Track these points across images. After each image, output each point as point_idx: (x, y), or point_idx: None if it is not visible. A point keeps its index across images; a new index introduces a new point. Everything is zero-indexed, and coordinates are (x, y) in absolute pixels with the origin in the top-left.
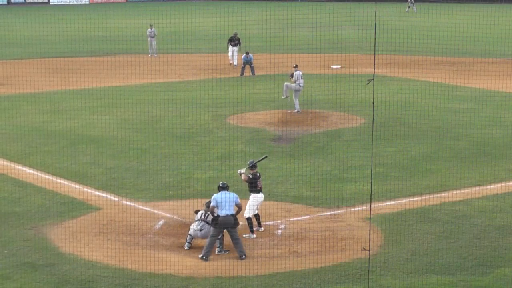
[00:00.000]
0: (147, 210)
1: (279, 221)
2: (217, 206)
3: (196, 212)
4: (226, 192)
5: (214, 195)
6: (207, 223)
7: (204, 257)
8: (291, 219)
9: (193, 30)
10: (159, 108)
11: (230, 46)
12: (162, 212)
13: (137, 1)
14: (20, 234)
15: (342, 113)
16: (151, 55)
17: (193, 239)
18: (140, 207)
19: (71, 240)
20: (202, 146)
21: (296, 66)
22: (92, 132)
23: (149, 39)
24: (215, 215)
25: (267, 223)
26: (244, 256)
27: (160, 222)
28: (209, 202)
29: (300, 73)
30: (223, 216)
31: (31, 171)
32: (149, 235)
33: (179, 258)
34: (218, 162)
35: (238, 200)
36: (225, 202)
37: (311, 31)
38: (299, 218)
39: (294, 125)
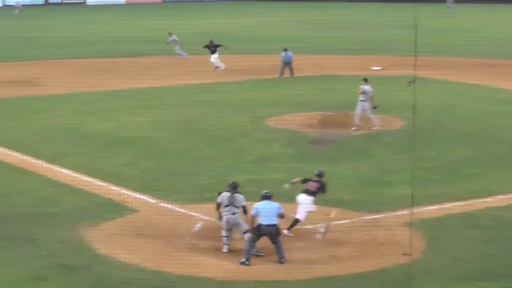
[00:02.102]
0: (184, 213)
1: (318, 225)
2: (258, 215)
3: (220, 193)
4: (269, 202)
5: (255, 204)
6: (235, 206)
7: (245, 262)
8: (331, 224)
9: (228, 31)
10: (195, 110)
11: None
12: (200, 214)
13: (173, 2)
14: (57, 235)
15: (382, 115)
16: (183, 57)
17: (230, 240)
18: (177, 209)
19: (107, 242)
20: (239, 148)
21: (366, 80)
22: (128, 133)
23: (175, 47)
24: (256, 224)
25: (306, 227)
26: (283, 260)
27: (198, 225)
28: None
29: (370, 88)
30: (265, 225)
31: (67, 172)
32: (186, 238)
33: (217, 262)
34: (255, 164)
35: (281, 210)
36: (267, 212)
37: (350, 32)
38: (339, 222)
39: (333, 127)
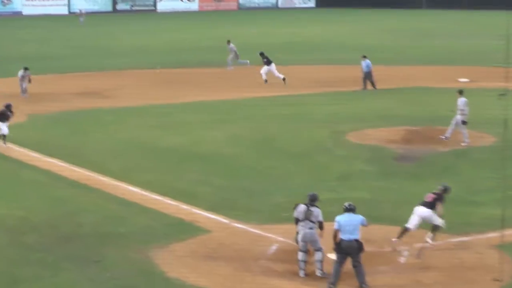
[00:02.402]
0: (260, 234)
1: (401, 247)
2: (340, 230)
3: (296, 206)
4: (352, 214)
5: (337, 217)
6: (311, 221)
7: (331, 285)
8: (415, 245)
9: (308, 39)
10: (273, 124)
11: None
12: (276, 236)
13: (249, 9)
14: (124, 257)
15: (470, 131)
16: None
17: (306, 262)
18: (252, 230)
19: (177, 264)
20: (319, 165)
21: (461, 92)
22: (201, 148)
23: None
24: (338, 239)
25: (389, 249)
26: (364, 286)
27: (274, 247)
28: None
29: (462, 101)
30: (347, 241)
31: (136, 189)
32: (261, 261)
33: (294, 286)
34: (336, 182)
35: (365, 222)
36: (349, 225)
37: (435, 41)
38: (424, 244)
39: (419, 143)
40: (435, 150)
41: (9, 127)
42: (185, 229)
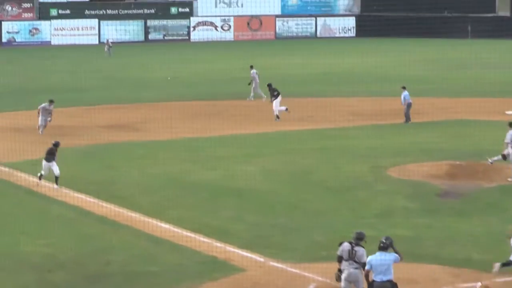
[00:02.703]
0: (296, 273)
1: (445, 287)
2: (372, 270)
3: (341, 243)
4: (385, 253)
5: (370, 257)
6: (355, 261)
7: None
8: (459, 286)
9: (348, 70)
10: (310, 158)
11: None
12: (314, 275)
13: (286, 38)
14: None
15: None
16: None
17: None
18: (288, 269)
19: None
20: (359, 201)
21: (511, 124)
22: (235, 184)
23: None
24: (370, 280)
25: None
26: None
27: (311, 287)
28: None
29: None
30: (379, 282)
31: (168, 226)
32: None
33: None
34: (377, 219)
35: (398, 259)
36: (382, 265)
37: (481, 72)
38: (468, 284)
39: (463, 178)
40: (480, 185)
41: (39, 162)
42: (218, 268)
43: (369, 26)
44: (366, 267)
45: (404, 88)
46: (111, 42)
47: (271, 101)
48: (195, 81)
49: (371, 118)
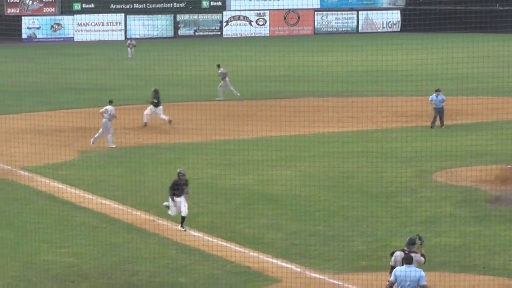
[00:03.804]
0: (336, 284)
1: None
2: (396, 283)
3: (392, 253)
4: (412, 266)
5: (396, 269)
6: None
7: None
8: None
9: (391, 68)
10: (350, 162)
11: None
12: (354, 286)
13: (326, 33)
14: None
15: None
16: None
17: None
18: (327, 279)
19: None
20: (403, 208)
21: None
22: (270, 189)
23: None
24: None
25: None
26: None
27: None
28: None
29: None
30: None
31: (199, 234)
32: None
33: None
34: (422, 227)
35: (423, 282)
36: (406, 280)
37: None
38: None
39: None
40: None
41: (61, 166)
42: (252, 279)
43: (414, 20)
44: (391, 278)
45: (438, 90)
46: (134, 40)
47: (150, 105)
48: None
49: (416, 119)
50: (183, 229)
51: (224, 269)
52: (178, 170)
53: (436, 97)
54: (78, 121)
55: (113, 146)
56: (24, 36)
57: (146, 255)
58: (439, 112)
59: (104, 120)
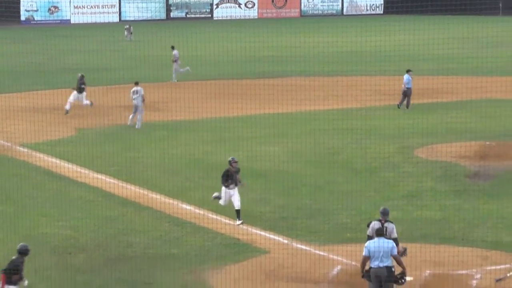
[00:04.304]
0: (321, 255)
1: (474, 270)
2: (369, 256)
3: (369, 223)
4: (383, 239)
5: (367, 243)
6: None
7: None
8: (488, 268)
9: (375, 49)
10: (336, 139)
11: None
12: (339, 257)
13: (312, 16)
14: (176, 279)
15: None
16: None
17: None
18: (313, 251)
19: (233, 286)
20: (386, 183)
21: None
22: (259, 165)
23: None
24: (367, 267)
25: (460, 272)
26: None
27: (336, 269)
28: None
29: None
30: (375, 269)
31: (190, 208)
32: (323, 284)
33: None
34: (404, 201)
35: (396, 251)
36: (379, 251)
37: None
38: (498, 267)
39: (494, 159)
40: (511, 166)
41: (58, 142)
42: (242, 250)
43: (397, 3)
44: (364, 253)
45: (409, 71)
46: (130, 25)
47: (74, 90)
48: (218, 60)
49: (399, 98)
50: (240, 222)
51: (215, 241)
52: (230, 158)
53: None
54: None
55: (139, 127)
56: (22, 18)
57: (140, 227)
58: (409, 92)
59: (134, 101)
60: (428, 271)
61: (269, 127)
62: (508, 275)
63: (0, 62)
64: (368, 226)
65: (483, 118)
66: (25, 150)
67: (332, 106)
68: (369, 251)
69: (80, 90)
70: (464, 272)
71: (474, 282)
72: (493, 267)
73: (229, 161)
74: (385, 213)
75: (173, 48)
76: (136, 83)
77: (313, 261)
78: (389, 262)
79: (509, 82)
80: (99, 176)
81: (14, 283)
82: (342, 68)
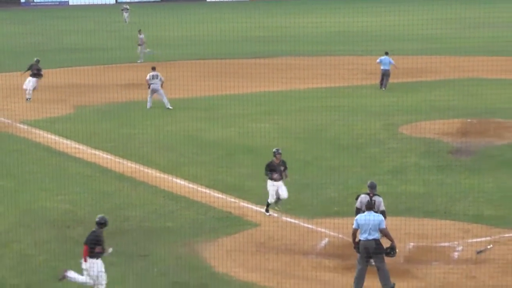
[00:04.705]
0: (310, 228)
1: (455, 242)
2: (359, 229)
3: (357, 196)
4: (372, 213)
5: (357, 216)
6: (375, 211)
7: None
8: (470, 241)
9: (363, 30)
10: (324, 116)
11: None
12: (326, 230)
13: None
14: (171, 252)
15: None
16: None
17: None
18: (302, 224)
19: (225, 259)
20: (372, 158)
21: None
22: (250, 141)
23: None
24: (357, 239)
25: (442, 244)
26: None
27: (324, 241)
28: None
29: None
30: (364, 241)
31: (184, 183)
32: (311, 255)
33: (345, 282)
34: (389, 176)
35: (383, 224)
36: (367, 225)
37: (500, 31)
38: (479, 239)
39: (475, 136)
40: (492, 143)
41: (57, 120)
42: (233, 223)
43: None
44: (354, 226)
45: (387, 53)
46: (127, 6)
47: (26, 74)
48: (211, 40)
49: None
50: (280, 209)
51: (208, 214)
52: (274, 150)
53: (385, 59)
54: (73, 78)
55: (170, 107)
56: (22, 0)
57: (136, 202)
58: (387, 73)
59: (153, 85)
60: (411, 244)
61: (260, 105)
62: (488, 247)
63: (0, 42)
64: (356, 199)
65: (465, 96)
66: (25, 127)
67: (321, 85)
68: (358, 224)
69: (35, 75)
70: (446, 244)
71: (456, 254)
72: (474, 240)
73: (274, 153)
74: (372, 187)
75: (140, 32)
76: (153, 68)
77: (302, 234)
78: (377, 235)
79: (490, 62)
80: (96, 152)
81: (96, 256)
82: (330, 48)
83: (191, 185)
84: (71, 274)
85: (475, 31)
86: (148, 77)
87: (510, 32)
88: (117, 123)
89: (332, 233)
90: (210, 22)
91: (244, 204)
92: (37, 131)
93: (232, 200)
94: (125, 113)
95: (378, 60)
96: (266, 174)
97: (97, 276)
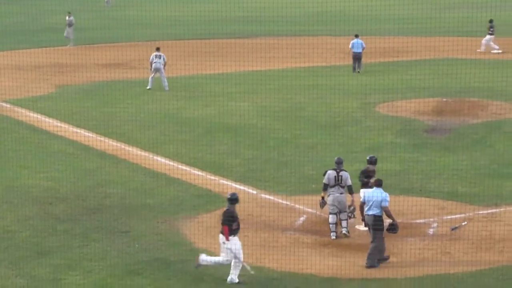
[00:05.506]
0: (288, 205)
1: (431, 219)
2: (365, 202)
3: (325, 173)
4: (379, 190)
5: (365, 191)
6: (341, 186)
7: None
8: (445, 218)
9: (341, 10)
10: (302, 95)
11: None
12: (304, 207)
13: None
14: (152, 228)
15: (503, 103)
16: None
17: (337, 225)
18: (280, 201)
19: (205, 235)
20: (349, 137)
21: None
22: (229, 120)
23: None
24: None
25: (418, 221)
26: (367, 266)
27: (302, 218)
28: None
29: None
30: (366, 215)
31: (165, 160)
32: (289, 232)
33: (322, 257)
34: (366, 154)
35: (386, 203)
36: (371, 201)
37: (472, 12)
38: (453, 216)
39: (450, 115)
40: (467, 122)
41: (39, 98)
42: (213, 200)
43: None
44: (362, 200)
45: (357, 36)
46: None
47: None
48: (190, 20)
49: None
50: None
51: (188, 191)
52: (368, 157)
53: (357, 42)
54: (55, 57)
55: (168, 89)
56: None
57: (117, 179)
58: (359, 56)
59: (156, 65)
60: (388, 220)
61: (239, 84)
62: (462, 224)
63: None
64: (324, 175)
65: (441, 76)
66: (8, 105)
67: (299, 65)
68: (364, 198)
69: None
70: (422, 221)
71: (431, 230)
72: (449, 217)
73: (368, 160)
74: (339, 162)
75: (69, 14)
76: (158, 49)
77: (280, 211)
78: (378, 211)
79: (464, 42)
80: (78, 130)
81: (235, 233)
82: (309, 28)
83: (171, 163)
84: (205, 258)
85: (450, 12)
86: (151, 58)
87: (484, 13)
88: (99, 102)
89: (310, 210)
90: (190, 2)
91: (223, 181)
92: (20, 109)
93: (212, 177)
94: (106, 92)
95: (350, 45)
96: (363, 184)
97: (238, 252)
